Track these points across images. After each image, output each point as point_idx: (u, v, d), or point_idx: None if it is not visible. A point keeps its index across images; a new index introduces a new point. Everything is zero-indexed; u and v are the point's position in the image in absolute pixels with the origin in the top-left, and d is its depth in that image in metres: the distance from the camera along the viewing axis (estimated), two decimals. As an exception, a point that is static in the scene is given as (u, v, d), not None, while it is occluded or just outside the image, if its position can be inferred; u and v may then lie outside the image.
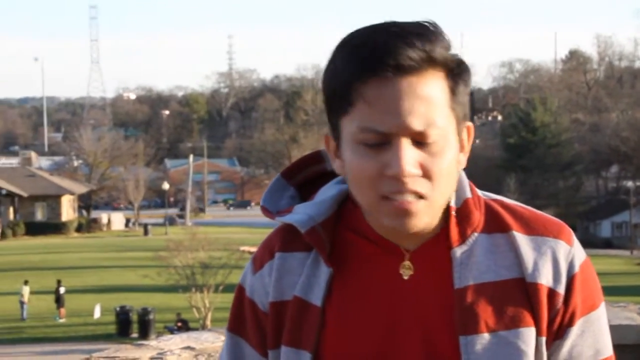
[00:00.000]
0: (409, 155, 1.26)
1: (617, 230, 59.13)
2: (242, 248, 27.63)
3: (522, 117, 62.94)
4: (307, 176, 1.48)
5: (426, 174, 1.27)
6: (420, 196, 1.27)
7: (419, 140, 1.27)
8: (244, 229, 59.90)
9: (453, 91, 1.30)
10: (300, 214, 1.39)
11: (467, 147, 1.35)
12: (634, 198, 54.85)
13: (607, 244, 55.53)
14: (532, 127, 61.26)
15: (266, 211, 1.45)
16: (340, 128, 1.31)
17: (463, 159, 1.35)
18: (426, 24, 1.30)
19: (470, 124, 1.35)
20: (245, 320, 1.43)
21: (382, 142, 1.27)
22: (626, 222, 57.01)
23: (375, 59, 1.25)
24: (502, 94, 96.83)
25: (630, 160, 61.84)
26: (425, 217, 1.29)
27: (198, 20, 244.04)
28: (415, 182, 1.26)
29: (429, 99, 1.27)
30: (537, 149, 59.97)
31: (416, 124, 1.25)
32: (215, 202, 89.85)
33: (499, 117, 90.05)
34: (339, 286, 1.36)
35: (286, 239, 1.41)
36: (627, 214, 55.95)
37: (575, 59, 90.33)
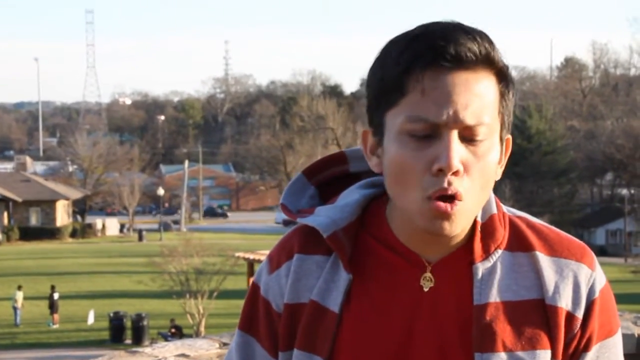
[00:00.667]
0: (457, 149, 1.24)
1: (612, 238, 59.20)
2: (236, 254, 27.55)
3: (518, 124, 62.97)
4: (328, 176, 1.46)
5: (468, 173, 1.26)
6: (460, 198, 1.26)
7: (467, 137, 1.25)
8: (239, 235, 59.85)
9: (503, 94, 1.29)
10: (323, 217, 1.37)
11: (504, 160, 1.34)
12: (628, 206, 54.94)
13: (602, 251, 55.57)
14: (527, 134, 61.33)
15: (286, 210, 1.43)
16: (385, 123, 1.29)
17: (499, 172, 1.33)
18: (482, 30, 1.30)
19: (509, 136, 1.34)
20: (257, 320, 1.41)
21: (430, 135, 1.25)
22: (620, 229, 57.09)
23: (435, 47, 1.24)
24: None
25: (625, 168, 61.94)
26: (463, 221, 1.28)
27: (194, 26, 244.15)
28: (458, 181, 1.25)
29: (482, 97, 1.26)
30: (532, 156, 60.04)
31: (469, 118, 1.24)
32: (210, 207, 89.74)
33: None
34: (357, 293, 1.34)
35: (306, 241, 1.38)
36: (621, 222, 56.02)
37: (570, 66, 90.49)
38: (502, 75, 1.29)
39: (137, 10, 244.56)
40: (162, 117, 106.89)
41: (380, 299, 1.33)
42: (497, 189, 52.13)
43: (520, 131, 61.99)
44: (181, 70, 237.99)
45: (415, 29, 1.28)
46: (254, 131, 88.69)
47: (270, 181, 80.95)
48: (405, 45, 1.26)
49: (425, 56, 1.24)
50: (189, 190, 74.99)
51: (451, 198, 1.25)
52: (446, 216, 1.25)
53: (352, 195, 1.40)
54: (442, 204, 1.25)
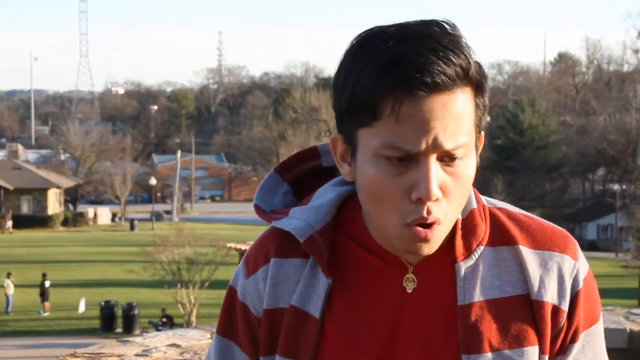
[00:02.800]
0: (436, 177, 1.21)
1: (603, 233, 59.36)
2: (228, 245, 27.55)
3: (511, 119, 63.08)
4: (301, 172, 1.43)
5: (447, 196, 1.24)
6: (439, 223, 1.24)
7: (446, 158, 1.22)
8: (231, 225, 59.83)
9: (478, 105, 1.26)
10: (298, 220, 1.34)
11: (478, 157, 1.32)
12: (620, 201, 55.08)
13: (593, 246, 55.71)
14: (520, 129, 61.38)
15: (260, 211, 1.40)
16: (357, 138, 1.25)
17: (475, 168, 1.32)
18: (451, 28, 1.24)
19: (482, 133, 1.32)
20: (236, 324, 1.39)
21: (407, 159, 1.22)
22: (612, 225, 57.24)
23: (410, 77, 1.19)
24: (490, 95, 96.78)
25: (617, 163, 62.09)
26: (439, 241, 1.26)
27: (188, 16, 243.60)
28: (436, 207, 1.23)
29: (459, 118, 1.22)
30: (525, 151, 60.11)
31: (447, 143, 1.21)
32: (202, 198, 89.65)
33: (488, 119, 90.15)
34: (338, 298, 1.32)
35: (282, 244, 1.35)
36: (613, 217, 56.17)
37: (564, 62, 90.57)
38: (478, 85, 1.25)
39: (131, 0, 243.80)
40: (155, 107, 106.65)
41: (363, 303, 1.31)
42: (490, 183, 52.31)
43: (513, 126, 62.06)
44: (175, 60, 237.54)
45: (385, 47, 1.21)
46: (247, 122, 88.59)
47: (263, 172, 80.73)
48: (379, 72, 1.20)
49: (401, 86, 1.19)
50: (181, 180, 74.89)
51: (430, 225, 1.23)
52: (425, 241, 1.24)
53: (327, 195, 1.36)
54: (421, 231, 1.23)
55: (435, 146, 1.21)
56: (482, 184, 50.02)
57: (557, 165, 61.60)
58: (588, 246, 55.18)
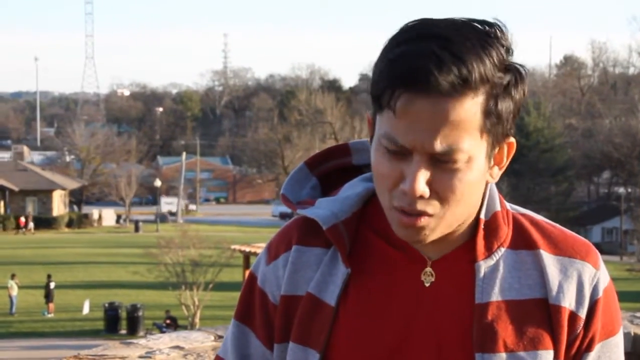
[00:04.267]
0: (423, 175, 1.23)
1: (608, 236, 59.25)
2: (232, 246, 27.55)
3: (516, 122, 62.97)
4: (331, 167, 1.44)
5: (437, 196, 1.24)
6: (428, 215, 1.25)
7: (439, 159, 1.23)
8: (236, 227, 59.84)
9: (489, 113, 1.24)
10: (323, 209, 1.35)
11: (505, 162, 1.32)
12: (625, 204, 54.98)
13: (598, 249, 54.95)
14: (525, 132, 61.30)
15: (287, 200, 1.41)
16: (376, 122, 1.30)
17: (497, 173, 1.32)
18: (485, 31, 1.24)
19: (512, 140, 1.31)
20: (254, 310, 1.39)
21: (402, 153, 1.24)
22: (617, 228, 57.13)
23: (406, 78, 1.21)
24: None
25: (623, 166, 61.97)
26: (432, 232, 1.27)
27: (194, 18, 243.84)
28: (423, 203, 1.24)
29: (457, 123, 1.22)
30: (530, 153, 60.03)
31: (437, 145, 1.22)
32: (207, 200, 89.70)
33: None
34: (355, 287, 1.33)
35: (305, 232, 1.37)
36: (617, 220, 56.07)
37: (569, 64, 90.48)
38: (490, 93, 1.23)
39: (137, 1, 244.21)
40: (160, 109, 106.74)
41: (379, 294, 1.32)
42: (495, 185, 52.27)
43: (519, 128, 61.96)
44: (180, 62, 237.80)
45: (397, 45, 1.24)
46: (252, 124, 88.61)
47: (267, 174, 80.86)
48: (385, 66, 1.24)
49: (400, 82, 1.22)
50: (186, 182, 74.95)
51: (416, 215, 1.24)
52: (413, 228, 1.25)
53: (354, 188, 1.38)
54: (405, 218, 1.25)
55: (425, 147, 1.22)
56: (487, 187, 49.85)
57: (562, 167, 61.51)
58: (593, 249, 55.05)
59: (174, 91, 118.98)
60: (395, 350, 1.30)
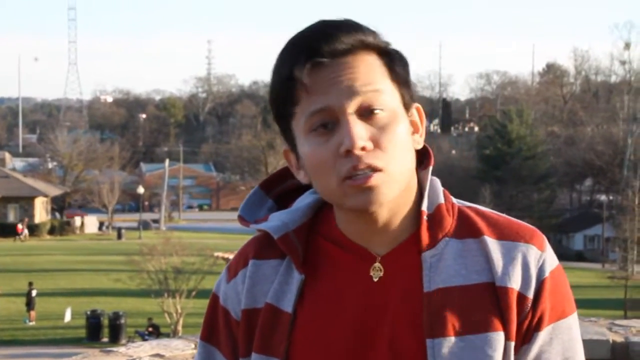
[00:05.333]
0: (358, 129, 1.28)
1: (590, 244, 59.52)
2: (215, 254, 27.52)
3: (498, 129, 63.27)
4: (285, 188, 1.47)
5: (378, 146, 1.28)
6: (377, 169, 1.28)
7: (366, 113, 1.29)
8: (218, 234, 59.71)
9: (391, 67, 1.33)
10: (274, 221, 1.39)
11: (422, 129, 1.38)
12: (606, 212, 55.24)
13: (580, 256, 55.86)
14: (508, 139, 61.56)
15: (243, 220, 1.44)
16: (293, 133, 1.33)
17: (419, 140, 1.37)
18: (359, 23, 1.34)
19: (418, 104, 1.37)
20: (218, 329, 1.42)
21: (329, 123, 1.28)
22: (598, 235, 57.39)
23: (309, 48, 1.29)
24: (479, 105, 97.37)
25: (604, 174, 62.32)
26: (387, 190, 1.30)
27: (177, 25, 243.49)
28: (368, 156, 1.28)
29: (367, 71, 1.30)
30: (513, 160, 60.26)
31: (358, 87, 1.29)
32: (190, 207, 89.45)
33: (476, 128, 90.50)
34: (310, 292, 1.36)
35: (260, 247, 1.41)
36: (599, 228, 56.33)
37: (552, 72, 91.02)
38: (384, 52, 1.33)
39: (120, 7, 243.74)
40: (144, 116, 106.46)
41: (333, 296, 1.35)
42: (477, 192, 52.43)
43: (501, 136, 62.24)
44: (163, 68, 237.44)
45: (287, 45, 1.34)
46: (236, 131, 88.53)
47: (251, 181, 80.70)
48: (282, 58, 1.32)
49: (301, 59, 1.29)
50: (169, 189, 74.76)
51: (368, 170, 1.28)
52: (368, 189, 1.28)
53: (304, 200, 1.43)
54: (358, 180, 1.28)
55: (350, 94, 1.28)
56: (470, 193, 50.10)
57: (544, 175, 61.77)
58: (574, 256, 55.33)
59: (157, 97, 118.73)
60: (352, 345, 1.32)
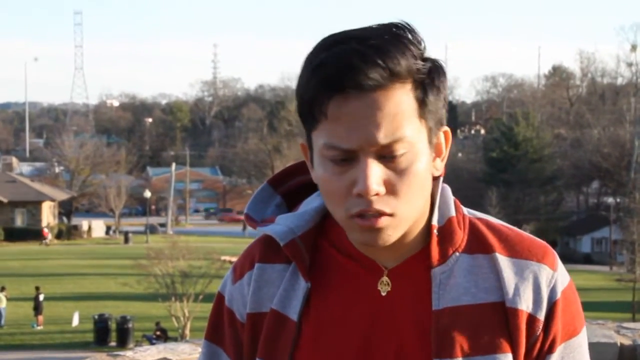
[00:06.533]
0: (374, 173, 1.24)
1: (597, 246, 59.35)
2: (222, 257, 27.53)
3: (505, 132, 63.19)
4: (294, 185, 1.46)
5: (392, 192, 1.25)
6: (385, 214, 1.26)
7: (386, 155, 1.25)
8: (225, 238, 59.74)
9: (422, 101, 1.27)
10: (281, 225, 1.37)
11: (445, 153, 1.34)
12: (614, 214, 55.10)
13: (587, 259, 55.73)
14: (514, 142, 61.46)
15: (249, 219, 1.42)
16: (312, 141, 1.30)
17: (440, 165, 1.33)
18: (396, 29, 1.27)
19: (447, 128, 1.33)
20: (223, 330, 1.41)
21: (348, 158, 1.25)
22: (606, 238, 57.25)
23: (335, 79, 1.23)
24: (485, 108, 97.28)
25: (611, 176, 62.16)
26: (394, 231, 1.27)
27: (183, 29, 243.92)
28: (380, 201, 1.25)
29: (394, 113, 1.24)
30: (519, 163, 60.16)
31: (381, 138, 1.23)
32: (197, 210, 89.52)
33: (482, 131, 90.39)
34: (316, 301, 1.34)
35: (267, 250, 1.39)
36: (607, 230, 56.20)
37: (558, 74, 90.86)
38: (417, 82, 1.26)
39: (126, 12, 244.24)
40: (150, 120, 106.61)
41: (339, 306, 1.33)
42: (484, 195, 52.29)
43: (507, 138, 62.15)
44: (169, 72, 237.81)
45: (317, 53, 1.26)
46: (242, 135, 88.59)
47: (257, 185, 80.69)
48: (310, 74, 1.26)
49: (326, 87, 1.23)
50: (175, 193, 74.82)
51: (377, 214, 1.25)
52: (374, 230, 1.26)
53: (312, 203, 1.40)
54: (366, 221, 1.25)
55: (370, 142, 1.23)
56: (477, 197, 50.01)
57: (551, 177, 61.65)
58: (582, 259, 55.22)
59: (164, 102, 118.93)
60: (356, 358, 1.31)
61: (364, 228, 1.26)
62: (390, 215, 1.26)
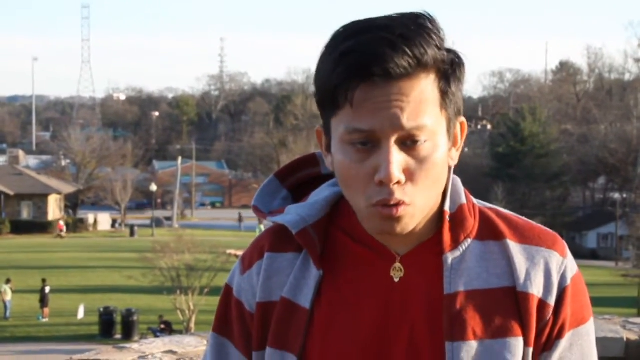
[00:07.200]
0: (396, 159, 1.25)
1: (603, 242, 59.28)
2: (228, 251, 27.57)
3: (511, 127, 63.10)
4: (301, 178, 1.46)
5: (412, 180, 1.26)
6: (404, 204, 1.27)
7: (407, 142, 1.26)
8: (231, 232, 59.79)
9: (445, 91, 1.28)
10: (292, 215, 1.37)
11: (460, 143, 1.34)
12: (620, 210, 55.03)
13: (593, 255, 55.65)
14: (521, 137, 61.37)
15: (258, 211, 1.43)
16: (330, 128, 1.31)
17: (456, 155, 1.34)
18: (420, 19, 1.28)
19: (463, 119, 1.34)
20: (231, 321, 1.41)
21: (369, 143, 1.26)
22: (612, 233, 57.17)
23: (362, 67, 1.24)
24: (492, 103, 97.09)
25: (618, 172, 62.06)
26: (412, 220, 1.28)
27: (190, 23, 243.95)
28: (400, 190, 1.26)
29: (418, 101, 1.26)
30: (526, 158, 60.09)
31: (405, 122, 1.25)
32: (202, 204, 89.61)
33: (489, 126, 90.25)
34: (328, 288, 1.34)
35: (276, 240, 1.39)
36: (613, 226, 56.12)
37: (565, 70, 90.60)
38: (441, 72, 1.28)
39: (133, 6, 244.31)
40: (156, 113, 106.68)
41: (351, 293, 1.33)
42: (490, 190, 52.29)
43: (514, 134, 62.06)
44: (176, 67, 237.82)
45: (343, 40, 1.26)
46: (248, 129, 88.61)
47: (263, 179, 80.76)
48: (335, 61, 1.26)
49: (354, 74, 1.24)
50: (181, 186, 74.89)
51: (395, 205, 1.26)
52: (394, 219, 1.27)
53: (322, 193, 1.40)
54: (386, 209, 1.26)
55: (394, 126, 1.24)
56: (483, 192, 49.97)
57: (557, 173, 61.57)
58: (588, 254, 55.14)
59: (170, 95, 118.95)
60: (370, 346, 1.31)
61: (384, 216, 1.26)
62: (409, 204, 1.26)
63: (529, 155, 60.30)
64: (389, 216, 1.26)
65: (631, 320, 3.89)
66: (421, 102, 1.25)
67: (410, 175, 1.26)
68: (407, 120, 1.24)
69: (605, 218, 59.55)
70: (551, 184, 60.90)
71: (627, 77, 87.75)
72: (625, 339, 3.63)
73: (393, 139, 1.25)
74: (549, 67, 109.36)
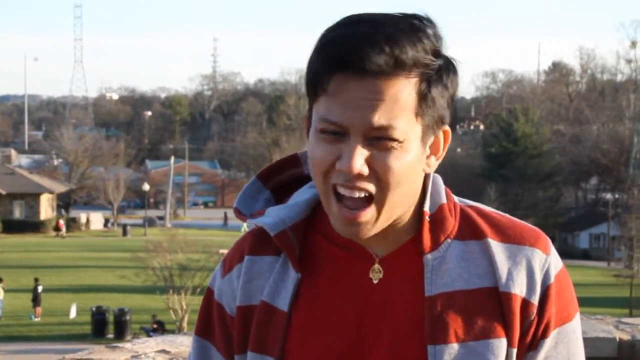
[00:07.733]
0: (360, 152, 1.24)
1: (595, 242, 59.41)
2: (220, 250, 27.54)
3: (504, 127, 63.21)
4: (283, 179, 1.45)
5: (376, 174, 1.25)
6: (368, 197, 1.25)
7: (375, 139, 1.25)
8: (224, 231, 59.74)
9: (424, 96, 1.26)
10: (272, 217, 1.36)
11: (442, 152, 1.32)
12: (612, 210, 55.16)
13: (585, 255, 55.76)
14: (513, 137, 61.47)
15: (239, 213, 1.42)
16: (312, 114, 1.32)
17: (434, 163, 1.32)
18: (415, 20, 1.27)
19: (447, 128, 1.31)
20: (213, 324, 1.41)
21: (339, 133, 1.25)
22: (604, 234, 57.30)
23: (338, 58, 1.24)
24: (484, 104, 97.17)
25: (610, 172, 62.22)
26: (376, 223, 1.27)
27: (183, 22, 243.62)
28: (362, 181, 1.25)
29: (392, 102, 1.24)
30: (518, 159, 60.19)
31: (374, 119, 1.24)
32: (195, 204, 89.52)
33: (481, 127, 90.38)
34: (306, 291, 1.34)
35: (256, 242, 1.39)
36: (605, 226, 56.24)
37: (558, 70, 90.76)
38: (422, 74, 1.26)
39: (126, 5, 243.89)
40: (149, 113, 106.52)
41: (330, 295, 1.33)
42: (482, 191, 52.38)
43: (507, 134, 62.16)
44: (169, 66, 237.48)
45: (329, 31, 1.27)
46: (241, 129, 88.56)
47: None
48: (317, 50, 1.27)
49: (330, 64, 1.25)
50: (174, 186, 74.81)
51: (358, 192, 1.25)
52: (355, 223, 1.26)
53: (302, 195, 1.40)
54: (348, 213, 1.26)
55: (363, 122, 1.24)
56: (475, 192, 50.02)
57: (550, 173, 61.68)
58: (580, 255, 55.24)
59: (163, 95, 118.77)
60: (348, 350, 1.30)
61: (345, 220, 1.26)
62: (372, 199, 1.25)
63: (522, 156, 60.40)
64: (351, 220, 1.26)
65: (624, 320, 3.89)
66: (394, 105, 1.24)
67: (374, 169, 1.25)
68: (378, 118, 1.23)
69: (597, 218, 59.68)
70: (543, 185, 61.00)
71: (619, 77, 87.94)
72: (617, 339, 3.64)
73: (361, 133, 1.24)
74: (542, 68, 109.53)
